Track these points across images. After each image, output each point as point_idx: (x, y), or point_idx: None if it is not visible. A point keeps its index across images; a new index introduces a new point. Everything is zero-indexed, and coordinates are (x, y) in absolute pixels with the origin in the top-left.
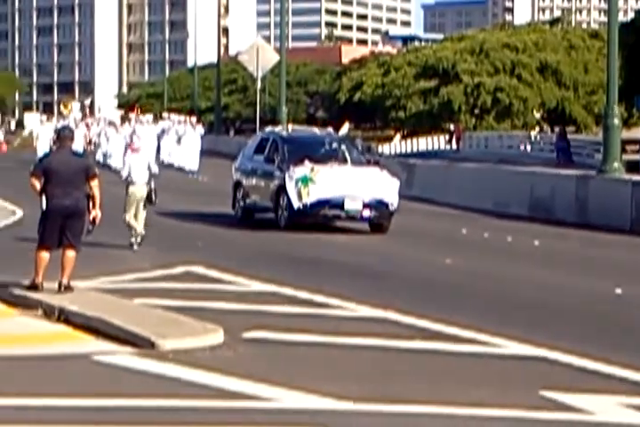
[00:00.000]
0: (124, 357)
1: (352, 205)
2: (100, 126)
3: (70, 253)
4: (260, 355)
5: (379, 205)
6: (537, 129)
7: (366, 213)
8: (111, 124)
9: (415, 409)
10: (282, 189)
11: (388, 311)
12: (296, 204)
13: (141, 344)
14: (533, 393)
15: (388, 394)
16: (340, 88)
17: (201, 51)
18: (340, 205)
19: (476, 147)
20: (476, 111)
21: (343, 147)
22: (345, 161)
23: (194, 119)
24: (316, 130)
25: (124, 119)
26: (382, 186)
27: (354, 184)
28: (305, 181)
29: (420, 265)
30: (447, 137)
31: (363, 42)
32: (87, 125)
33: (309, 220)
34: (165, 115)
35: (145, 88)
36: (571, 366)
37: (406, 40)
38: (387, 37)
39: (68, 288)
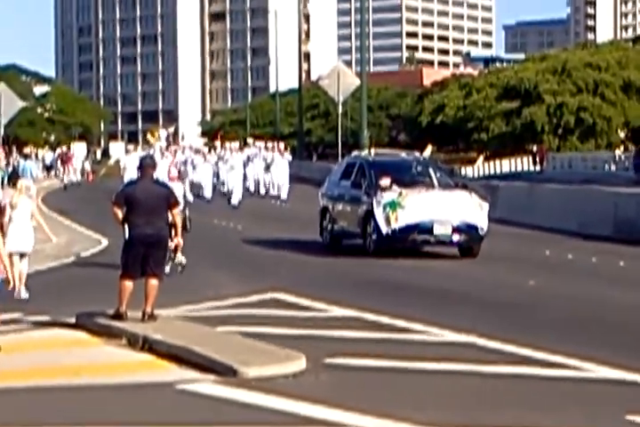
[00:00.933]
0: (207, 385)
1: (441, 230)
2: (185, 154)
3: (153, 282)
4: (342, 381)
5: (468, 230)
6: (622, 148)
7: (456, 237)
8: (198, 152)
9: None
10: (370, 214)
11: (472, 336)
12: (384, 229)
13: (224, 372)
14: (620, 418)
15: (473, 420)
16: (422, 111)
17: (283, 76)
18: (429, 229)
19: (560, 167)
20: (560, 131)
21: (431, 170)
22: (433, 185)
23: (282, 145)
24: (403, 153)
25: (211, 147)
26: (471, 210)
27: (443, 208)
28: (393, 205)
29: (504, 288)
30: (531, 158)
31: (444, 64)
32: (173, 153)
33: (398, 245)
34: (250, 141)
35: (228, 115)
36: None
37: (488, 61)
38: (468, 59)
39: (152, 317)
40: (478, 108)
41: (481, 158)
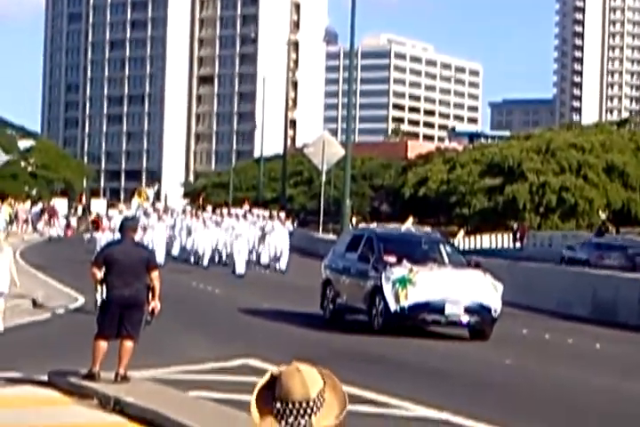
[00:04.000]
0: None
1: (453, 310)
2: (174, 217)
3: (128, 344)
4: None
5: (481, 310)
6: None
7: (468, 318)
8: (195, 216)
9: None
10: (377, 289)
11: (445, 412)
12: (393, 306)
13: None
14: None
15: None
16: (405, 182)
17: (268, 142)
18: (440, 309)
19: (539, 245)
20: (541, 210)
21: (441, 247)
22: (444, 262)
23: (282, 214)
24: (412, 228)
25: (213, 213)
26: (485, 290)
27: (455, 287)
28: (403, 282)
29: (477, 363)
30: (511, 235)
31: (429, 137)
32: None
33: (407, 324)
34: (246, 208)
35: (211, 177)
36: None
37: (472, 137)
38: (453, 134)
39: (125, 378)
40: (461, 182)
41: (462, 233)
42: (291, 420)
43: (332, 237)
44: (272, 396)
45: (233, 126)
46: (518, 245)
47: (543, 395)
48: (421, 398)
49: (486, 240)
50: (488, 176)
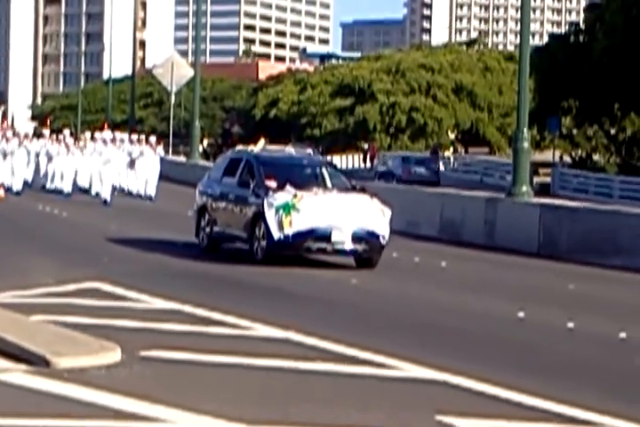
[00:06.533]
0: (16, 375)
1: (340, 237)
2: (32, 142)
3: None
4: (156, 375)
5: (369, 237)
6: (451, 150)
7: (355, 246)
8: (57, 140)
9: None
10: (259, 216)
11: (290, 332)
12: (276, 234)
13: (36, 362)
14: (429, 417)
15: (282, 417)
16: (256, 104)
17: (117, 63)
18: (326, 236)
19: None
20: (391, 130)
21: (325, 170)
22: (328, 186)
23: (153, 139)
24: (292, 150)
25: (77, 138)
26: (372, 215)
27: (341, 213)
28: (287, 208)
29: (326, 284)
30: (362, 156)
31: (280, 59)
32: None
33: (290, 252)
34: (108, 132)
35: (59, 100)
36: (469, 390)
37: (323, 58)
38: (304, 55)
39: None
40: (312, 103)
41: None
42: None
43: (182, 159)
44: None
45: (81, 47)
46: (369, 165)
47: (389, 312)
48: (272, 319)
49: (337, 161)
50: (339, 97)
